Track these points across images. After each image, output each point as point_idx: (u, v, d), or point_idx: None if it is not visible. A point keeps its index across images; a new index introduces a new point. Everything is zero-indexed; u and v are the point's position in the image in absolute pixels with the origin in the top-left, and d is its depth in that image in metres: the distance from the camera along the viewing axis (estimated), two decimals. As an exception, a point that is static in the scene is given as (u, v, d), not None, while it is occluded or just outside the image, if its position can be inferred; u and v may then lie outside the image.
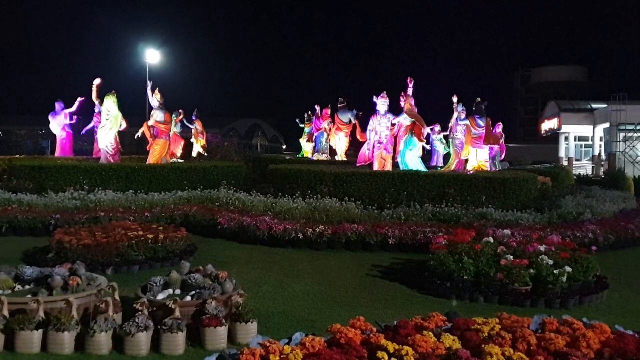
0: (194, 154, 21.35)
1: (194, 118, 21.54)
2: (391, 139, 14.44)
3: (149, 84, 17.06)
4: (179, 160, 18.59)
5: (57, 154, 19.51)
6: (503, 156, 20.50)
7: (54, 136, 20.01)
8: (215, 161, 18.96)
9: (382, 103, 14.18)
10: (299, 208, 11.75)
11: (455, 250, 7.65)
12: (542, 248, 7.60)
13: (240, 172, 16.64)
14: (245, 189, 14.27)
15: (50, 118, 19.65)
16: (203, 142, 21.55)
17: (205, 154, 21.36)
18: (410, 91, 14.43)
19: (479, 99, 15.67)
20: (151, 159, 16.11)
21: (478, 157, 15.74)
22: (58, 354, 5.17)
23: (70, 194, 12.63)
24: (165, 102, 16.60)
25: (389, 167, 14.26)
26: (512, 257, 7.28)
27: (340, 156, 21.04)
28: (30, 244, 9.87)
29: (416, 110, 14.51)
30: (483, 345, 4.06)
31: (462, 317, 4.85)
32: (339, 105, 20.80)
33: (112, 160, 15.75)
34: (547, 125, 46.23)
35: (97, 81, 17.46)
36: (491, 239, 8.06)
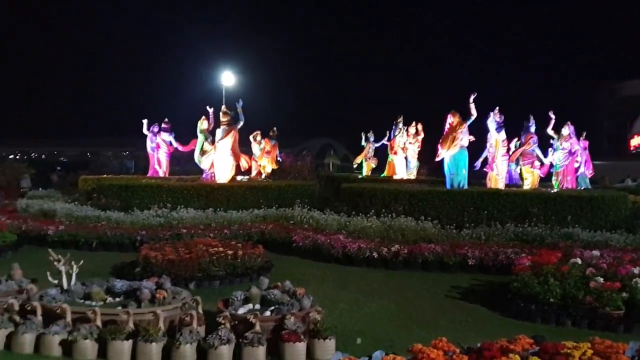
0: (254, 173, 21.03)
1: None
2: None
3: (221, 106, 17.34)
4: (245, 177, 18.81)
5: (150, 174, 19.88)
6: (589, 172, 19.20)
7: (139, 156, 20.56)
8: (289, 180, 19.19)
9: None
10: (373, 227, 11.68)
11: (540, 272, 7.34)
12: (636, 270, 7.15)
13: (313, 190, 16.79)
14: (318, 208, 14.37)
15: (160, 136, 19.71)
16: (266, 160, 21.13)
17: (263, 176, 20.92)
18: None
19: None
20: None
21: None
22: (146, 364, 5.37)
23: (155, 212, 13.21)
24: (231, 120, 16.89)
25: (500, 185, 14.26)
26: (602, 279, 6.89)
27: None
28: (118, 258, 10.38)
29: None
30: (575, 371, 3.85)
31: (549, 341, 4.64)
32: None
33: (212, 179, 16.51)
34: (637, 140, 43.69)
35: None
36: (579, 260, 7.67)
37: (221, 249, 9.20)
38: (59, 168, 31.93)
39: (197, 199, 14.46)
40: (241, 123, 16.06)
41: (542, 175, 16.34)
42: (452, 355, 4.20)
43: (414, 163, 20.74)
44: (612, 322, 6.47)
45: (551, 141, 16.00)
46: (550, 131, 15.70)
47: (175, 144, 19.17)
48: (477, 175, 15.65)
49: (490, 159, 14.77)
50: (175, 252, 9.01)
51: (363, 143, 23.53)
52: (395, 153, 21.28)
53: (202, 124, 17.06)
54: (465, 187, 13.90)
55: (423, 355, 4.11)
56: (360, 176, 22.55)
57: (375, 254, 10.21)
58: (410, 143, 20.55)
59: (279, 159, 22.04)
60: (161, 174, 18.88)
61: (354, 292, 8.44)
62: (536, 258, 8.12)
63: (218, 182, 15.95)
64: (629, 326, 6.42)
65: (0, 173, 23.49)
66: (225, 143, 16.08)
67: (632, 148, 45.95)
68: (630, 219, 12.83)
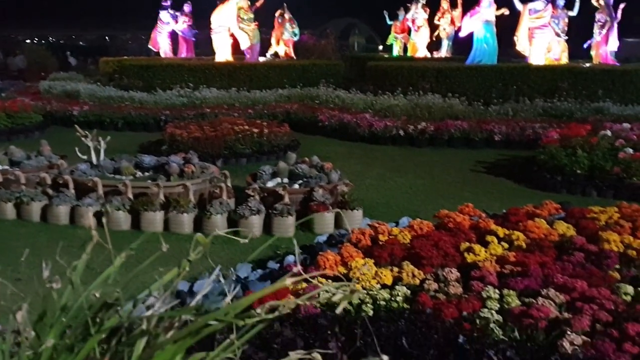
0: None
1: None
2: None
3: None
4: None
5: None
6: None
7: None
8: (312, 59, 18.74)
9: None
10: (400, 105, 11.52)
11: (568, 144, 7.26)
12: (667, 141, 7.04)
13: (338, 70, 16.45)
14: (343, 87, 14.17)
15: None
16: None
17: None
18: None
19: None
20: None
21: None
22: (179, 233, 5.60)
23: (177, 92, 13.20)
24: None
25: None
26: (631, 150, 6.81)
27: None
28: (144, 138, 10.54)
29: None
30: (600, 232, 3.91)
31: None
32: None
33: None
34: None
35: None
36: (608, 132, 7.55)
37: (246, 127, 9.22)
38: (68, 52, 31.41)
39: (219, 78, 14.33)
40: None
41: None
42: (478, 219, 4.28)
43: (445, 42, 20.01)
44: (638, 191, 6.48)
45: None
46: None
47: (174, 25, 18.58)
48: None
49: None
50: (200, 130, 9.08)
51: (389, 21, 22.51)
52: (403, 31, 20.57)
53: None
54: (485, 63, 13.44)
55: (449, 220, 4.19)
56: (386, 56, 21.86)
57: (401, 132, 10.17)
58: (439, 20, 19.74)
59: (294, 37, 20.83)
60: (162, 55, 18.50)
61: (380, 168, 8.52)
62: (565, 131, 8.02)
63: (216, 61, 15.61)
64: (656, 196, 6.43)
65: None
66: (219, 17, 15.57)
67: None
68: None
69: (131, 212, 5.75)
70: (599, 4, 14.53)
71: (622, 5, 16.13)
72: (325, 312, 3.19)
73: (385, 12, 22.27)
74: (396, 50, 22.23)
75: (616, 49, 14.98)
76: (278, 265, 4.05)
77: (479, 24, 13.75)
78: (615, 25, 14.80)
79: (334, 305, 3.32)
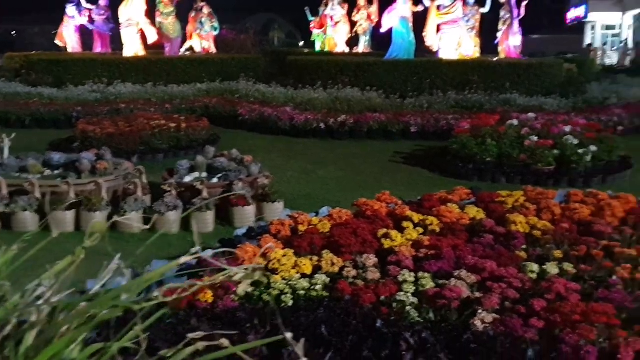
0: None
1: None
2: None
3: None
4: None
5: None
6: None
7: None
8: (232, 54, 18.50)
9: None
10: (320, 98, 11.63)
11: (479, 133, 7.60)
12: (567, 129, 7.51)
13: (258, 64, 16.35)
14: (264, 82, 14.10)
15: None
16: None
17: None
18: None
19: None
20: None
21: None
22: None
23: (90, 87, 12.65)
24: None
25: None
26: (536, 137, 7.22)
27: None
28: (54, 135, 9.98)
29: None
30: (507, 215, 4.11)
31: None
32: None
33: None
34: (573, 13, 44.03)
35: None
36: (515, 122, 7.95)
37: (163, 122, 8.97)
38: None
39: (134, 73, 13.87)
40: None
41: None
42: (394, 206, 4.39)
43: (362, 37, 20.35)
44: (543, 177, 6.88)
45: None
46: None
47: (80, 18, 17.86)
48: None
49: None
50: (115, 125, 8.73)
51: (310, 18, 22.57)
52: (322, 27, 20.81)
53: None
54: (402, 57, 13.82)
55: (367, 207, 4.27)
56: (307, 50, 21.98)
57: (322, 125, 10.25)
58: (354, 16, 20.06)
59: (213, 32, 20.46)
60: (70, 50, 17.76)
61: (302, 161, 8.55)
62: (475, 121, 8.38)
63: (125, 56, 15.24)
64: (558, 180, 6.86)
65: None
66: (127, 11, 15.22)
67: (567, 21, 46.36)
68: (564, 85, 13.29)
69: (39, 212, 5.45)
70: (503, 1, 15.34)
71: (524, 2, 17.11)
72: (244, 305, 3.16)
73: (306, 8, 22.36)
74: (319, 46, 22.38)
75: (519, 44, 15.83)
76: (195, 260, 3.96)
77: (395, 20, 14.09)
78: (516, 21, 15.65)
79: (254, 298, 3.30)
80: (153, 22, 16.42)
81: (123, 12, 15.40)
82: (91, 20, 18.10)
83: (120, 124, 8.87)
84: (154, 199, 5.74)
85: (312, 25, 22.57)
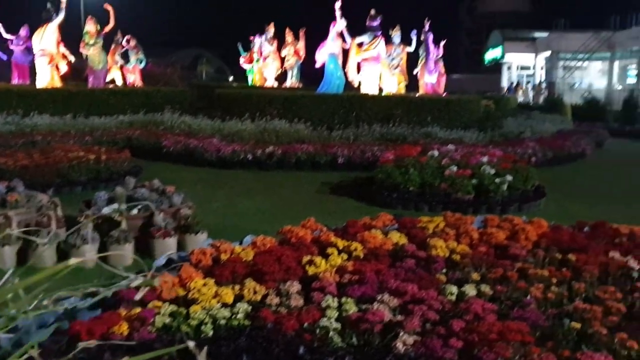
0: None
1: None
2: None
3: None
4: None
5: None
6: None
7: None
8: (157, 87, 18.24)
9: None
10: (248, 129, 11.62)
11: (402, 163, 7.79)
12: (485, 159, 7.84)
13: (185, 97, 16.18)
14: (190, 114, 13.93)
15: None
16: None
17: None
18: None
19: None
20: None
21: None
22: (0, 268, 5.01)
23: (4, 119, 12.02)
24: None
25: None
26: (455, 167, 7.49)
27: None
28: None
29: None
30: (428, 240, 4.20)
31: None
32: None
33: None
34: (491, 54, 46.81)
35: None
36: (436, 152, 8.24)
37: (82, 153, 8.63)
38: None
39: (52, 104, 13.34)
40: (59, 18, 15.15)
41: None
42: (319, 233, 4.38)
43: (289, 72, 20.72)
44: (463, 205, 7.12)
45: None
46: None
47: None
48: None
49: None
50: (30, 158, 8.31)
51: (243, 53, 22.71)
52: (251, 62, 21.19)
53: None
54: (331, 92, 14.18)
55: (292, 234, 4.24)
56: (235, 84, 22.08)
57: (250, 156, 10.21)
58: (284, 52, 20.48)
59: (139, 64, 20.29)
60: None
61: (228, 192, 8.43)
62: (398, 152, 8.61)
63: (42, 87, 14.92)
64: (477, 208, 7.11)
65: None
66: (40, 41, 15.03)
67: (486, 62, 49.23)
68: (482, 120, 13.99)
69: (-61, 248, 5.04)
70: (421, 40, 16.21)
71: (442, 42, 18.09)
72: (162, 336, 3.02)
73: (239, 44, 22.58)
74: (250, 80, 22.57)
75: (435, 81, 16.70)
76: (111, 292, 3.76)
77: (325, 56, 14.51)
78: (432, 60, 16.51)
79: (172, 329, 3.16)
80: (73, 53, 16.16)
81: (36, 42, 15.03)
82: (7, 51, 17.40)
83: (35, 155, 8.45)
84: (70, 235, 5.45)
85: (242, 60, 22.76)
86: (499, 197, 7.25)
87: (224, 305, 3.28)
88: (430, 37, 16.57)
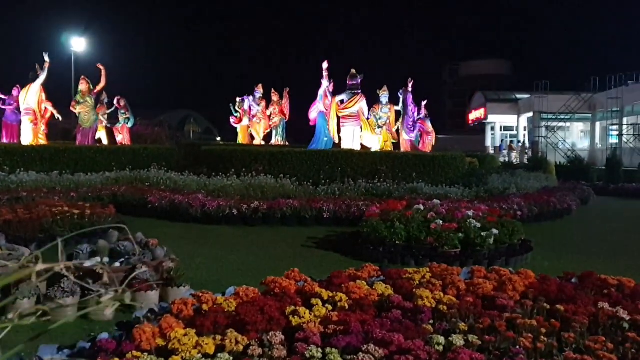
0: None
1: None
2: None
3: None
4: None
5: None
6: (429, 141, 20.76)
7: None
8: (145, 145, 18.39)
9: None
10: (233, 185, 11.64)
11: (388, 218, 7.79)
12: (470, 213, 7.87)
13: (171, 154, 16.28)
14: (176, 171, 13.97)
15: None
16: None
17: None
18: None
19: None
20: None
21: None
22: (-25, 323, 4.85)
23: (-11, 175, 11.97)
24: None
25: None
26: (441, 221, 7.50)
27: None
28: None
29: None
30: (414, 290, 4.15)
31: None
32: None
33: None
34: (474, 115, 47.94)
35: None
36: (421, 207, 8.26)
37: (66, 208, 8.56)
38: None
39: (39, 162, 13.36)
40: (42, 78, 15.57)
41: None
42: (303, 284, 4.32)
43: (274, 130, 21.08)
44: (450, 259, 7.07)
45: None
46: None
47: None
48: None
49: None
50: (13, 213, 8.22)
51: (236, 111, 23.02)
52: (239, 122, 21.61)
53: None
54: (321, 148, 14.43)
55: (275, 285, 4.17)
56: (222, 143, 22.39)
57: (235, 211, 10.17)
58: (269, 111, 20.94)
59: (127, 124, 20.62)
60: None
61: (213, 247, 8.34)
62: (384, 206, 8.62)
63: (29, 144, 15.13)
64: (464, 262, 7.06)
65: None
66: (26, 99, 15.41)
67: (470, 122, 50.35)
68: (467, 176, 14.16)
69: None
70: (402, 100, 16.77)
71: (424, 102, 18.66)
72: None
73: (232, 104, 23.02)
74: (240, 138, 22.88)
75: (414, 138, 17.13)
76: (89, 343, 3.65)
77: (315, 114, 14.88)
78: (409, 117, 16.97)
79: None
80: (65, 113, 16.49)
81: (21, 101, 15.36)
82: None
83: (19, 211, 8.37)
84: (51, 286, 5.32)
85: (232, 120, 23.13)
86: (485, 251, 7.23)
87: (205, 356, 3.18)
88: (410, 97, 17.05)
